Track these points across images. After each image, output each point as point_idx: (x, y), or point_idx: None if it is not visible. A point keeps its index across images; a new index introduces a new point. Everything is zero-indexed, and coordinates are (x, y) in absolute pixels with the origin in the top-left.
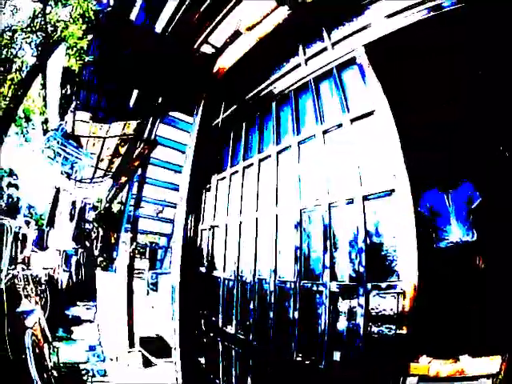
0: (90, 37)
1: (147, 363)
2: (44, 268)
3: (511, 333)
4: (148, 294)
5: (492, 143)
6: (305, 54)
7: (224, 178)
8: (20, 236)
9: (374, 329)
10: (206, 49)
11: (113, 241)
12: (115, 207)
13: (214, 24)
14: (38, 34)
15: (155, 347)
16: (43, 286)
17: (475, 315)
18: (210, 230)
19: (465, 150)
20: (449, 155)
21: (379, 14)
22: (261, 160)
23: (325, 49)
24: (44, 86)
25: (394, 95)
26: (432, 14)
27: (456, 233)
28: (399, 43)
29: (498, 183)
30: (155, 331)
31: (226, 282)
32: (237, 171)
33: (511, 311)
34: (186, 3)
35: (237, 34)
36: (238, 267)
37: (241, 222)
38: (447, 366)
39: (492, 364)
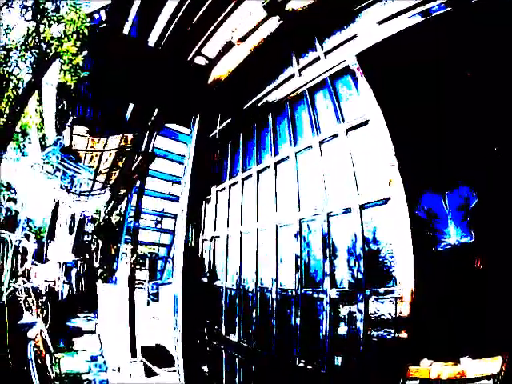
0: (84, 52)
1: (149, 373)
2: (45, 280)
3: (511, 334)
4: (149, 304)
5: (486, 144)
6: (298, 63)
7: (223, 189)
8: (20, 249)
9: (374, 333)
10: (200, 60)
11: (113, 252)
12: (114, 219)
13: (206, 36)
14: (33, 51)
15: (157, 357)
16: (44, 298)
17: (475, 317)
18: (211, 240)
19: (460, 152)
20: (444, 158)
21: (370, 21)
22: (259, 171)
23: (318, 58)
24: (40, 101)
25: (387, 102)
26: (422, 19)
27: (454, 235)
28: (391, 50)
29: (493, 184)
30: (156, 341)
31: (229, 291)
32: (236, 182)
33: (511, 312)
34: (179, 16)
35: (230, 45)
36: (240, 277)
37: (241, 233)
38: (448, 368)
39: (493, 365)
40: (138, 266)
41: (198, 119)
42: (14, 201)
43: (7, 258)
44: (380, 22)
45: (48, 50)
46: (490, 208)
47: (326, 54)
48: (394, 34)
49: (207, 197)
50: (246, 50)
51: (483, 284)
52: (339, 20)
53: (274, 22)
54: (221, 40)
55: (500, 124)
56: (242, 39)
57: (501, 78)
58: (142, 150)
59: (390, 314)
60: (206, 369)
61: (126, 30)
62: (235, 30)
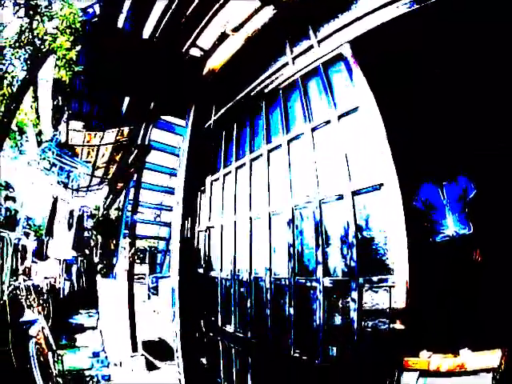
0: (78, 47)
1: (151, 367)
2: (45, 278)
3: (511, 326)
4: (149, 298)
5: (486, 135)
6: (292, 52)
7: (218, 179)
8: (20, 247)
9: (369, 323)
10: (195, 52)
11: (112, 247)
12: (113, 214)
13: (201, 27)
14: (27, 48)
15: (158, 350)
16: (45, 295)
17: (474, 309)
18: (205, 231)
19: (458, 143)
20: (442, 148)
21: (364, 9)
22: (252, 160)
23: (311, 46)
24: (36, 98)
25: (381, 90)
26: (416, 6)
27: (452, 226)
28: (385, 37)
29: (492, 175)
30: (158, 335)
31: (224, 281)
32: (230, 172)
33: (510, 304)
34: (173, 7)
35: (224, 36)
36: (234, 266)
37: (235, 222)
38: (447, 360)
39: (492, 358)
40: (138, 261)
41: (192, 111)
42: (14, 199)
43: (7, 256)
44: (374, 10)
45: (42, 46)
46: (488, 200)
47: (319, 42)
48: (387, 21)
49: (202, 188)
50: (240, 40)
51: (482, 276)
52: (333, 8)
53: (268, 12)
54: (215, 31)
55: (500, 115)
56: (236, 29)
57: (502, 68)
58: (138, 143)
59: (384, 303)
60: (204, 360)
61: (120, 24)
62: (229, 21)
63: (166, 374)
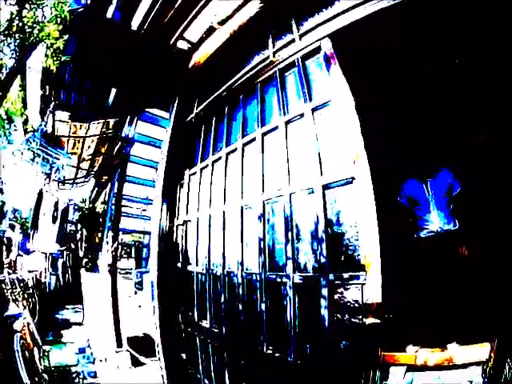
0: (66, 36)
1: (136, 362)
2: (29, 271)
3: (498, 319)
4: (136, 293)
5: (471, 131)
6: (274, 46)
7: (195, 172)
8: (5, 240)
9: (341, 319)
10: (183, 45)
11: (97, 241)
12: (99, 207)
13: (188, 19)
14: (16, 36)
15: (143, 346)
16: (31, 290)
17: (460, 303)
18: (182, 224)
19: (443, 138)
20: (426, 144)
21: (348, 3)
22: (228, 153)
23: (293, 40)
24: (23, 87)
25: (362, 84)
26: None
27: (436, 222)
28: (365, 32)
29: (477, 171)
30: (143, 330)
31: (199, 276)
32: (207, 165)
33: (497, 298)
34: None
35: (212, 30)
36: (208, 261)
37: (210, 216)
38: (435, 354)
39: (481, 351)
40: (125, 255)
41: (176, 103)
42: (1, 191)
43: None
44: (357, 5)
45: (31, 35)
46: (474, 195)
47: (301, 36)
48: (367, 15)
49: (182, 181)
50: (225, 33)
51: (468, 270)
52: (318, 3)
53: (255, 6)
54: (203, 24)
55: (486, 111)
56: (222, 22)
57: (488, 65)
58: (123, 135)
59: (356, 300)
60: (184, 356)
61: (109, 14)
62: (216, 14)
63: (152, 369)
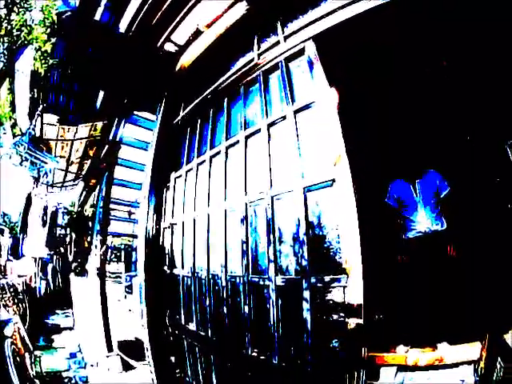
0: (54, 39)
1: (127, 367)
2: (19, 276)
3: (488, 318)
4: (126, 297)
5: (458, 132)
6: (259, 48)
7: (180, 175)
8: None
9: (324, 322)
10: (170, 47)
11: (86, 245)
12: (88, 210)
13: (176, 21)
14: (5, 39)
15: (134, 350)
16: (21, 295)
17: (450, 303)
18: (169, 227)
19: (431, 140)
20: (414, 145)
21: (332, 5)
22: (212, 156)
23: (278, 42)
24: (11, 90)
25: (346, 86)
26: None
27: (424, 222)
28: (350, 33)
29: (465, 172)
30: (133, 334)
31: (185, 279)
32: (191, 168)
33: (487, 296)
34: (149, 2)
35: (198, 32)
36: (193, 264)
37: (195, 219)
38: (425, 354)
39: (472, 351)
40: (114, 259)
41: (162, 106)
42: None
43: None
44: (341, 7)
45: (19, 38)
46: (462, 196)
47: (285, 38)
48: (352, 16)
49: (168, 184)
50: (211, 36)
51: (458, 269)
52: (304, 4)
53: (241, 7)
54: (190, 26)
55: (473, 114)
56: (209, 25)
57: (474, 67)
58: (111, 138)
59: (337, 303)
60: (173, 359)
61: (97, 16)
62: (203, 16)
63: (143, 373)
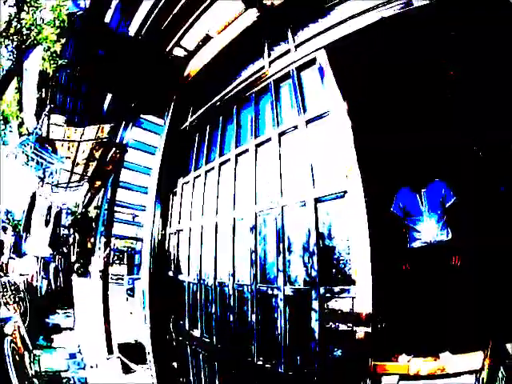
0: (64, 40)
1: (127, 369)
2: (21, 274)
3: (491, 328)
4: (127, 300)
5: (465, 143)
6: (269, 56)
7: (188, 181)
8: None
9: (332, 332)
10: (179, 52)
11: (89, 246)
12: (92, 212)
13: (185, 27)
14: (14, 37)
15: (134, 353)
16: (22, 293)
17: (452, 312)
18: (175, 234)
19: (437, 150)
20: (421, 155)
21: (342, 15)
22: (221, 164)
23: (288, 51)
24: (19, 89)
25: (354, 96)
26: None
27: (430, 232)
28: (360, 44)
29: (471, 182)
30: (134, 337)
31: (191, 285)
32: (199, 175)
33: (489, 308)
34: (159, 6)
35: (208, 38)
36: (200, 271)
37: (202, 226)
38: (427, 363)
39: (474, 360)
40: (117, 261)
41: (171, 111)
42: None
43: None
44: (352, 16)
45: (28, 37)
46: (468, 206)
47: (296, 46)
48: (365, 27)
49: (175, 189)
50: (221, 42)
51: (461, 279)
52: (315, 12)
53: (252, 15)
54: (200, 32)
55: (480, 123)
56: (219, 32)
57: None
58: (117, 141)
59: (346, 313)
60: (175, 364)
61: (107, 18)
62: (214, 22)
63: (142, 377)
